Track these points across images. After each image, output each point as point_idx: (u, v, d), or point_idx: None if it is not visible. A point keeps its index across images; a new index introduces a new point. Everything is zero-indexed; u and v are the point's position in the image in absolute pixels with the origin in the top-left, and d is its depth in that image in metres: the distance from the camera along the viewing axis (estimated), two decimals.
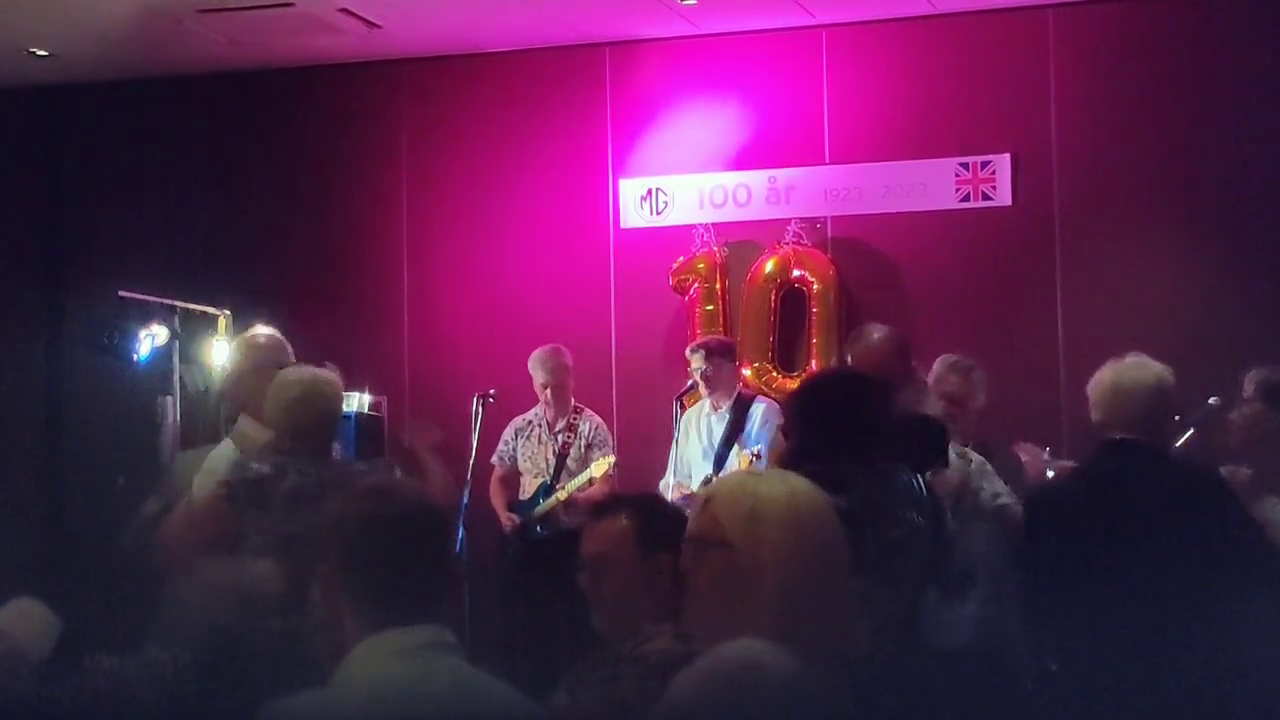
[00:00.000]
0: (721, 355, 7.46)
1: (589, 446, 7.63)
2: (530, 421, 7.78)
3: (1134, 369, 4.39)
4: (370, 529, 2.44)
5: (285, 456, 4.65)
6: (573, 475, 7.56)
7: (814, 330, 8.03)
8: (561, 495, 7.50)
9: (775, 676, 2.39)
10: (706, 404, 7.49)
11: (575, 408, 7.73)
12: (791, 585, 2.48)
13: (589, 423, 7.70)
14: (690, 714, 2.39)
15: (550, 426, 7.71)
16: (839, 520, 2.60)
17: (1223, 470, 4.76)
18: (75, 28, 8.13)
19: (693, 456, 7.44)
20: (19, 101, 9.36)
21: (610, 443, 7.68)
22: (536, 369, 7.67)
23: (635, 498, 3.35)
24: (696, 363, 7.39)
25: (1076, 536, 4.32)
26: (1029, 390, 7.50)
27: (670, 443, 7.48)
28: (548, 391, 7.65)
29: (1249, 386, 5.01)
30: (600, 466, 7.47)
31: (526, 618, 7.43)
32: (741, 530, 2.51)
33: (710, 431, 7.42)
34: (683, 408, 7.56)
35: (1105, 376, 4.39)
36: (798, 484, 2.61)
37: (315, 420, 4.73)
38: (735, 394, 7.45)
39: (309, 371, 4.87)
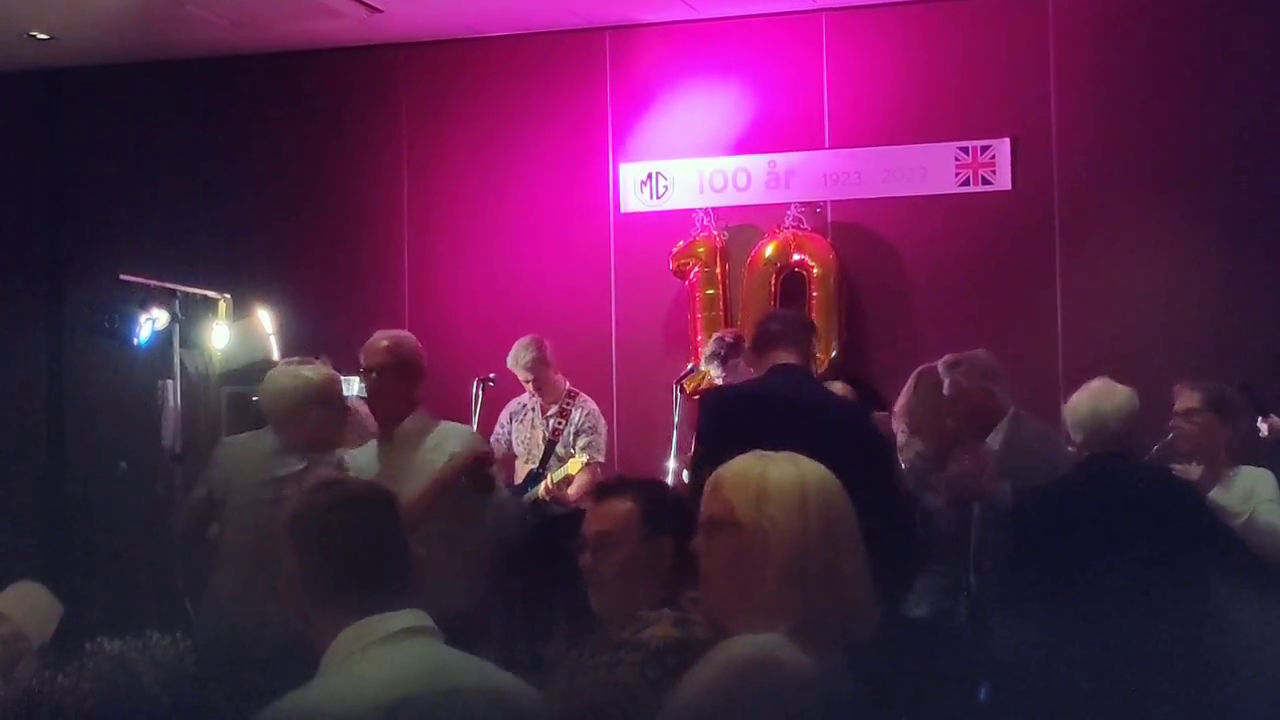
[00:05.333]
0: (739, 353, 7.47)
1: (577, 433, 7.60)
2: (524, 405, 7.76)
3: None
4: (318, 520, 2.47)
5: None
6: (562, 462, 7.54)
7: (814, 314, 8.01)
8: (540, 490, 7.48)
9: (789, 673, 2.41)
10: None
11: (569, 393, 7.68)
12: (797, 565, 2.49)
13: (581, 410, 7.63)
14: (706, 709, 2.41)
15: (542, 411, 7.70)
16: (849, 502, 2.60)
17: (1175, 469, 5.15)
18: (76, 11, 8.12)
19: None
20: (20, 85, 9.36)
21: (600, 430, 7.61)
22: (512, 365, 7.65)
23: (641, 480, 3.35)
24: (715, 369, 7.31)
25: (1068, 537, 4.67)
26: (1027, 373, 7.50)
27: (671, 427, 7.49)
28: (529, 385, 7.66)
29: (1189, 399, 5.29)
30: (575, 465, 7.40)
31: (517, 604, 7.40)
32: (749, 510, 2.53)
33: None
34: (683, 392, 7.54)
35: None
36: (806, 466, 2.61)
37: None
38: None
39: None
